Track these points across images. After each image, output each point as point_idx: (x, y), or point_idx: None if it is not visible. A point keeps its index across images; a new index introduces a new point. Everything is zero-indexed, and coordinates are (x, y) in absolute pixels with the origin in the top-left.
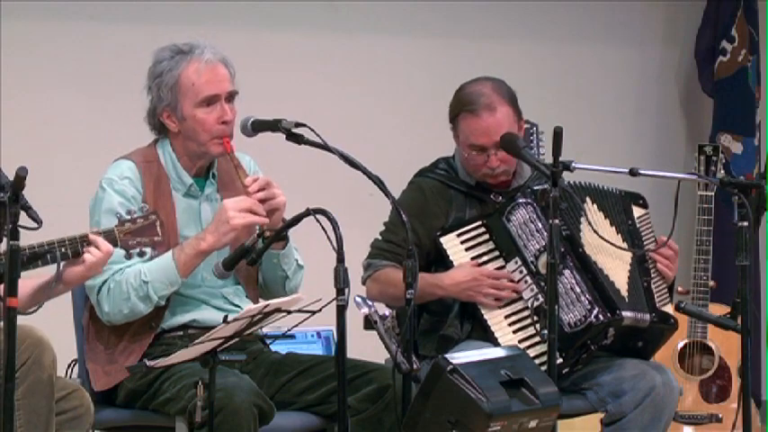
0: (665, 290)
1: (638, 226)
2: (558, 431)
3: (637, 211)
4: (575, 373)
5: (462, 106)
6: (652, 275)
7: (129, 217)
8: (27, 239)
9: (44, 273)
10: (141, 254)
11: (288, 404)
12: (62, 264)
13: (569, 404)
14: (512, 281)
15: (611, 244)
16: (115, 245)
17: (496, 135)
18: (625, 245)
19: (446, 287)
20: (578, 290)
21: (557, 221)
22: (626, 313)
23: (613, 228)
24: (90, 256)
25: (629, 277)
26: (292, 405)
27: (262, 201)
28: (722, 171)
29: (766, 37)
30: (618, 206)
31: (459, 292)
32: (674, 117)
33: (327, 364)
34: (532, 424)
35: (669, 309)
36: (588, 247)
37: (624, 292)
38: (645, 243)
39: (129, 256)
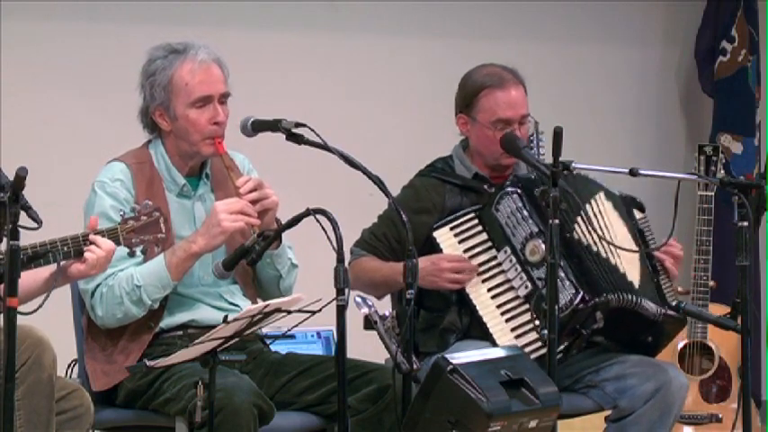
0: (672, 289)
1: (641, 227)
2: (557, 431)
3: (637, 214)
4: (575, 363)
5: (484, 84)
6: (660, 274)
7: (132, 214)
8: (27, 239)
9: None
10: (145, 251)
11: (288, 404)
12: (64, 261)
13: (573, 403)
14: (502, 272)
15: (608, 243)
16: (118, 243)
17: (521, 108)
18: (633, 243)
19: None
20: (562, 275)
21: (557, 222)
22: (611, 296)
23: (626, 226)
24: (91, 254)
25: (640, 271)
26: (292, 405)
27: (254, 201)
28: (722, 171)
29: (766, 37)
30: (623, 207)
31: (421, 278)
32: (674, 117)
33: (327, 364)
34: (532, 424)
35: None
36: (596, 241)
37: (636, 281)
38: (650, 243)
39: (132, 254)
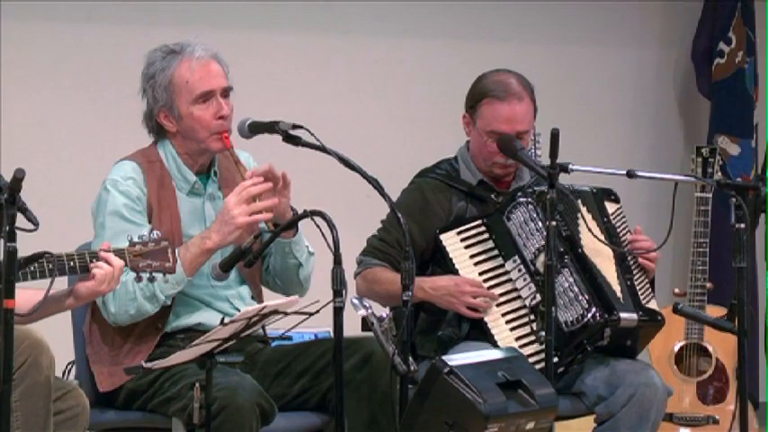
0: (648, 285)
1: (613, 222)
2: None
3: (610, 207)
4: (569, 372)
5: (488, 92)
6: (634, 272)
7: (139, 240)
8: (24, 241)
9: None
10: (151, 279)
11: (282, 396)
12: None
13: (564, 406)
14: (510, 281)
15: (606, 244)
16: (124, 264)
17: (519, 125)
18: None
19: (426, 290)
20: (576, 289)
21: (554, 223)
22: (623, 315)
23: (598, 228)
24: (99, 270)
25: (617, 278)
26: (286, 396)
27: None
28: (719, 173)
29: (766, 38)
30: (594, 205)
31: (439, 297)
32: (671, 119)
33: (312, 349)
34: (530, 425)
35: (653, 304)
36: (587, 249)
37: (619, 293)
38: (621, 239)
39: (138, 279)
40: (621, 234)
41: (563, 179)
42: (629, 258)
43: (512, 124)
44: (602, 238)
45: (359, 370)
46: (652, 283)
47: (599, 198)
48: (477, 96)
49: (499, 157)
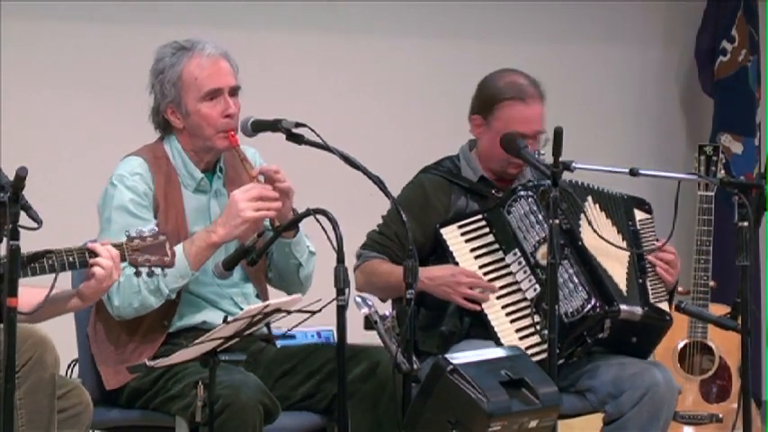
0: (663, 290)
1: (638, 228)
2: (558, 431)
3: (639, 215)
4: (569, 365)
5: (508, 93)
6: (649, 275)
7: (137, 234)
8: (27, 239)
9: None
10: (150, 273)
11: (284, 399)
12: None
13: (569, 404)
14: (510, 274)
15: (609, 242)
16: (123, 259)
17: (538, 125)
18: (624, 244)
19: (423, 280)
20: (576, 281)
21: (557, 221)
22: (623, 306)
23: (615, 228)
24: (99, 269)
25: (627, 274)
26: (288, 400)
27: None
28: (722, 171)
29: (766, 37)
30: (620, 208)
31: (435, 287)
32: (674, 117)
33: (318, 354)
34: (533, 424)
35: (664, 306)
36: (588, 244)
37: (623, 288)
38: (645, 245)
39: (138, 274)
40: (646, 242)
41: (580, 177)
42: (646, 261)
43: (531, 125)
44: (608, 237)
45: (365, 380)
46: (671, 294)
47: (628, 204)
48: (493, 99)
49: (515, 158)
